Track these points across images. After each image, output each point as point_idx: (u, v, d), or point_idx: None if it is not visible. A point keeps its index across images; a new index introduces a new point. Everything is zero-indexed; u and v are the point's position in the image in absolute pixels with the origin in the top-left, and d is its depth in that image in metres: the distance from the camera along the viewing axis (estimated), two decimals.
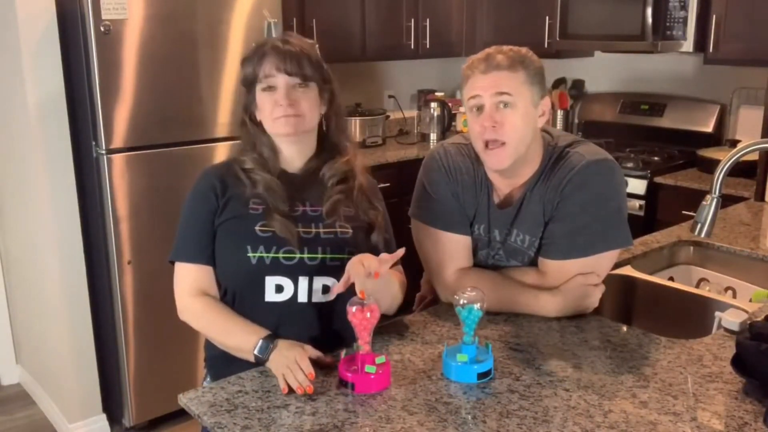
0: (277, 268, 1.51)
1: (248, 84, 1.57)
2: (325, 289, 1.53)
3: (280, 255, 1.51)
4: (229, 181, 1.57)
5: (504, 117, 1.56)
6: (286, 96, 1.51)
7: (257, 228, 1.52)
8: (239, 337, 1.48)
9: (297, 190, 1.58)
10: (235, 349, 1.50)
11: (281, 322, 1.51)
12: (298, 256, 1.51)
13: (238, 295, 1.55)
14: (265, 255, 1.50)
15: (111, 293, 2.81)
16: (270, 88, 1.53)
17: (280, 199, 1.54)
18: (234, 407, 1.30)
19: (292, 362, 1.36)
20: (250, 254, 1.50)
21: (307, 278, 1.52)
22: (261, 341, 1.43)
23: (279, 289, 1.52)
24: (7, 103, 2.92)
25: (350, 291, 1.47)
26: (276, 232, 1.51)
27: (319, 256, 1.52)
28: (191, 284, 1.55)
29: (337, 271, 1.51)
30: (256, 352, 1.43)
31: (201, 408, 1.31)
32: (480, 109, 1.58)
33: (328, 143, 1.63)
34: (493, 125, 1.56)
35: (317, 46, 1.63)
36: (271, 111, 1.53)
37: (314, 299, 1.53)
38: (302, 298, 1.52)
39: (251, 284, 1.52)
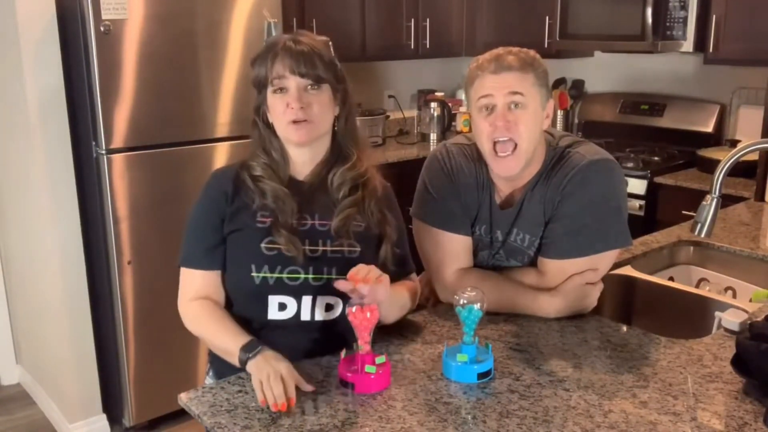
0: (280, 288, 1.47)
1: (259, 85, 1.52)
2: (328, 307, 1.50)
3: (285, 275, 1.47)
4: (239, 188, 1.53)
5: (516, 117, 1.55)
6: (298, 99, 1.46)
7: (263, 245, 1.47)
8: (227, 338, 1.44)
9: (306, 201, 1.53)
10: (222, 350, 1.46)
11: (285, 336, 1.48)
12: (302, 276, 1.47)
13: (242, 311, 1.53)
14: (269, 275, 1.47)
15: (111, 293, 2.81)
16: (281, 90, 1.48)
17: (289, 211, 1.49)
18: (234, 407, 1.30)
19: (277, 374, 1.30)
20: (254, 274, 1.47)
21: (310, 297, 1.49)
22: (249, 341, 1.39)
23: (282, 307, 1.49)
24: (7, 102, 2.91)
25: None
26: (282, 250, 1.47)
27: (325, 276, 1.48)
28: (196, 291, 1.52)
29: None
30: (240, 348, 1.38)
31: (201, 408, 1.31)
32: (490, 108, 1.57)
33: (336, 146, 1.57)
34: (506, 124, 1.55)
35: (330, 43, 1.55)
36: (282, 113, 1.48)
37: (317, 317, 1.50)
38: (305, 316, 1.49)
39: (254, 302, 1.50)
